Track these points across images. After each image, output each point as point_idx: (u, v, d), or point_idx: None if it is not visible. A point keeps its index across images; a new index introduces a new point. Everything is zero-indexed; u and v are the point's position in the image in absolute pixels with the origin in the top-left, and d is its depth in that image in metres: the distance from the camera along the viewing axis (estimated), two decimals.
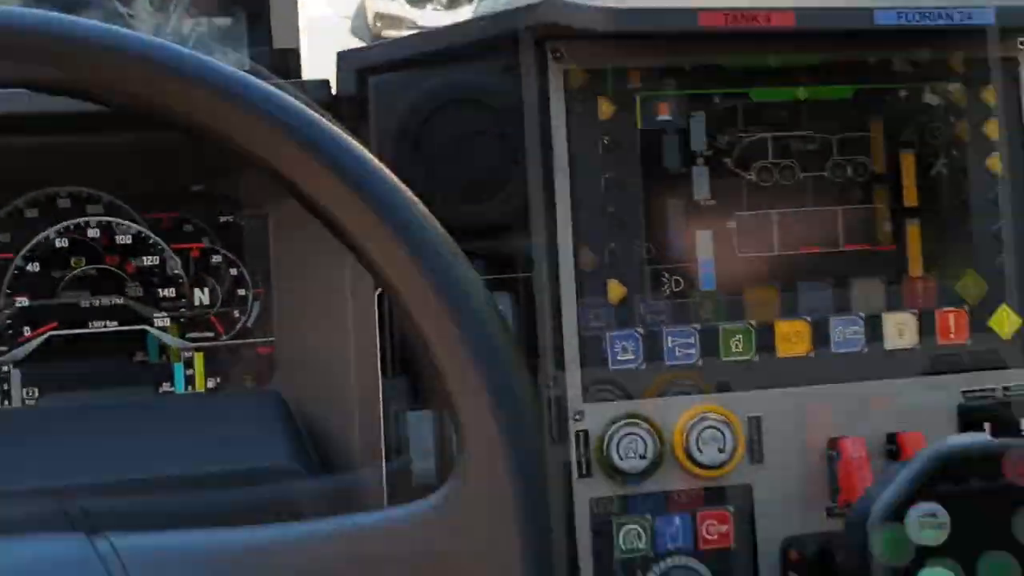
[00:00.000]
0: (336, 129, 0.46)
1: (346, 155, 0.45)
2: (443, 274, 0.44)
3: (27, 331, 0.89)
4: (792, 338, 0.87)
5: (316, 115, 0.45)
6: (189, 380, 0.90)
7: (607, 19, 0.77)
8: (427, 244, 0.45)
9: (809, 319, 0.87)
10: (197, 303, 0.91)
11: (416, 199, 0.46)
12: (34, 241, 0.90)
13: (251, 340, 0.92)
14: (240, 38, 1.01)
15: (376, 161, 0.46)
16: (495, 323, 0.44)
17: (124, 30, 0.44)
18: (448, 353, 0.43)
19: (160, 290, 0.91)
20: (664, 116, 0.88)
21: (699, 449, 0.82)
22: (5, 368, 0.88)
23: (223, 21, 1.00)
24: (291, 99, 0.45)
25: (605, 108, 0.87)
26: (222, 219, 0.93)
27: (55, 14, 0.43)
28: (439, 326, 0.43)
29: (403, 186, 0.46)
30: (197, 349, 0.91)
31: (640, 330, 0.85)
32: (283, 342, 0.91)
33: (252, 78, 0.45)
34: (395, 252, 0.44)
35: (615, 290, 0.85)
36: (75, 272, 0.90)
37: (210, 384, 0.90)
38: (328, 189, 0.44)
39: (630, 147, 0.87)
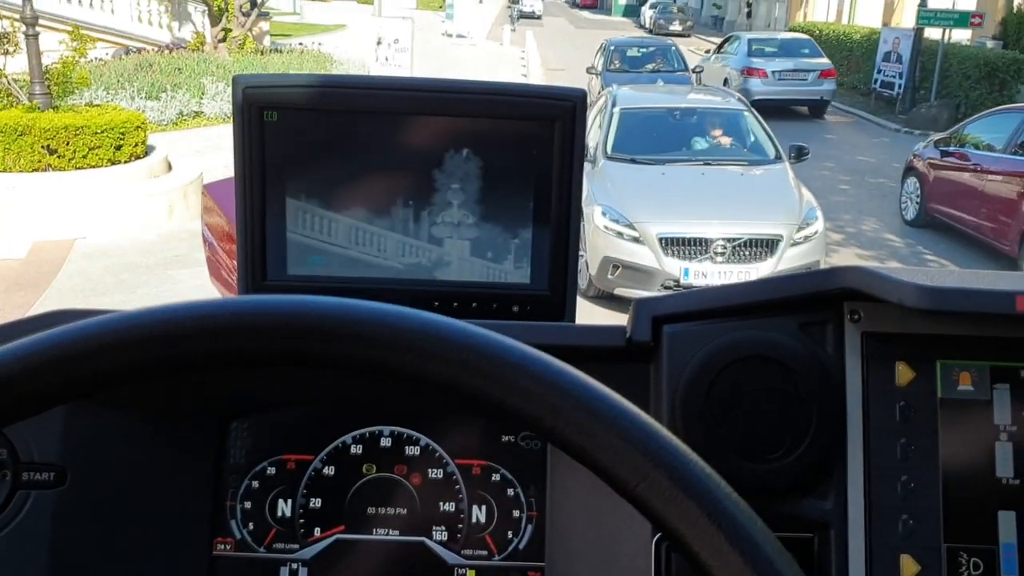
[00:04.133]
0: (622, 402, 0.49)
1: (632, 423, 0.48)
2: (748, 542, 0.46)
3: (317, 532, 0.95)
4: None
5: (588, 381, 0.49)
6: None
7: (922, 296, 0.77)
8: (727, 512, 0.47)
9: None
10: (474, 520, 0.94)
11: (716, 475, 0.48)
12: (332, 446, 0.96)
13: (521, 563, 0.93)
14: None
15: (666, 432, 0.49)
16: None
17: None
18: None
19: (441, 504, 0.95)
20: (966, 386, 0.85)
21: None
22: (295, 565, 0.94)
23: None
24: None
25: (903, 373, 0.85)
26: (504, 438, 0.96)
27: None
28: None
29: (698, 458, 0.48)
30: (471, 567, 0.93)
31: None
32: (552, 571, 0.92)
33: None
34: (698, 521, 0.46)
35: (908, 568, 0.82)
36: (366, 478, 0.95)
37: None
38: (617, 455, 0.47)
39: (928, 415, 0.84)
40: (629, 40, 17.30)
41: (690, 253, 6.30)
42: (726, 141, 7.82)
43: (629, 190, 6.95)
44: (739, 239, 6.27)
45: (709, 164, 7.42)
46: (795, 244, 6.39)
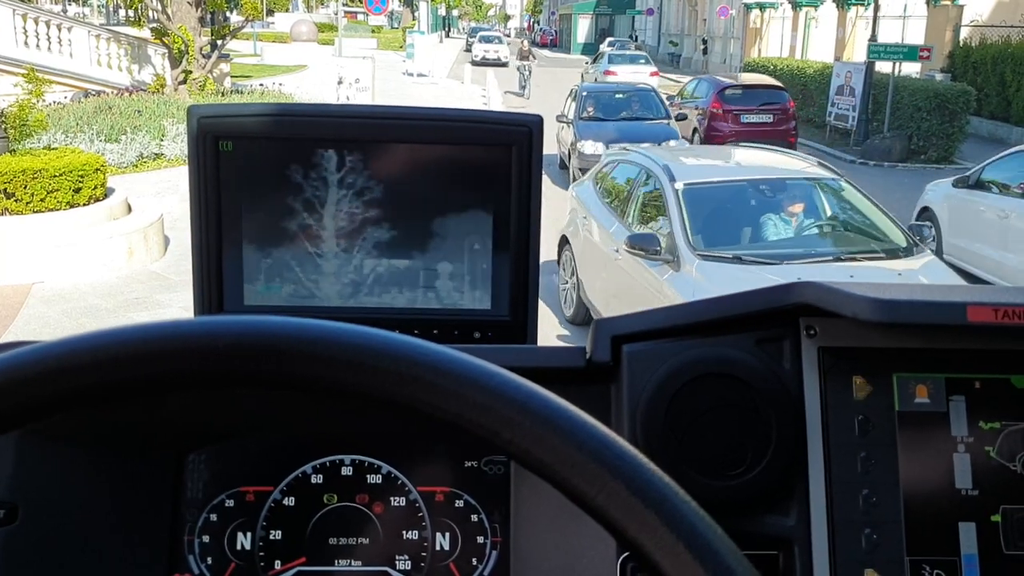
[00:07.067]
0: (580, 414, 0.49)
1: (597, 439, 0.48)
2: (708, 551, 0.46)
3: (278, 564, 0.93)
4: None
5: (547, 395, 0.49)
6: None
7: (875, 309, 0.78)
8: (684, 521, 0.46)
9: None
10: (438, 548, 0.93)
11: (674, 484, 0.48)
12: (292, 476, 0.95)
13: None
14: None
15: (628, 446, 0.48)
16: None
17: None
18: None
19: (404, 533, 0.93)
20: (922, 399, 0.86)
21: None
22: None
23: None
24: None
25: (861, 387, 0.86)
26: (467, 464, 0.95)
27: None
28: None
29: (655, 467, 0.48)
30: None
31: None
32: None
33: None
34: (658, 530, 0.46)
35: None
36: (327, 508, 0.94)
37: None
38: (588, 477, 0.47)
39: (887, 428, 0.85)
40: (604, 86, 15.46)
41: None
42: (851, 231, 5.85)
43: None
44: None
45: (841, 260, 5.37)
46: None
